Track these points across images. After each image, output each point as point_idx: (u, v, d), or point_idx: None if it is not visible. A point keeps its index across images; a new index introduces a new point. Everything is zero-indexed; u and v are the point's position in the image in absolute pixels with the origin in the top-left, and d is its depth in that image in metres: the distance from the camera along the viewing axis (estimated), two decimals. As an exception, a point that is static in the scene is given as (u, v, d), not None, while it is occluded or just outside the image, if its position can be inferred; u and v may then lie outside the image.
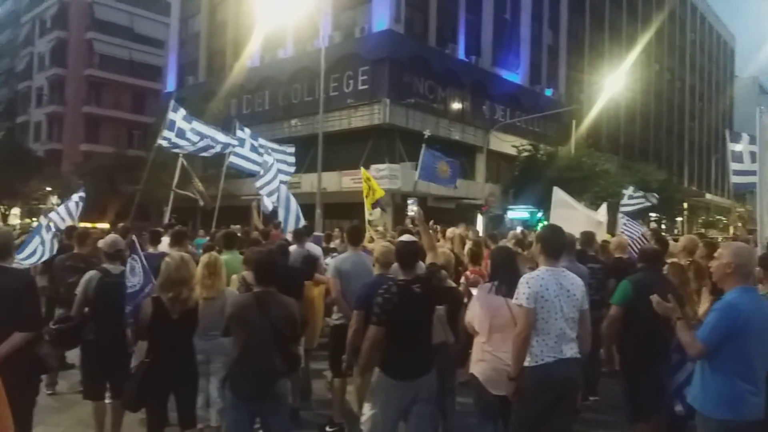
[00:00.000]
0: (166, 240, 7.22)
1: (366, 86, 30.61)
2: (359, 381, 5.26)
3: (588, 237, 7.86)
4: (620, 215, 12.00)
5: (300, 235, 7.40)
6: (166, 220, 12.29)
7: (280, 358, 3.94)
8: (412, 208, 8.18)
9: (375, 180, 13.01)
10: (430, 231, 7.67)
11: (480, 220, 30.56)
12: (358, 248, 5.85)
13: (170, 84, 44.05)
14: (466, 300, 5.48)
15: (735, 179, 9.56)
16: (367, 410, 4.00)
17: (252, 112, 36.31)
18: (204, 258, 4.91)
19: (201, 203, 12.50)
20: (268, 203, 11.99)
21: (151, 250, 6.78)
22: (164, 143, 11.21)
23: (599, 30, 48.37)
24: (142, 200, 14.74)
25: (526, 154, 33.47)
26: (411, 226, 8.91)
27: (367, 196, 12.05)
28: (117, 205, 29.02)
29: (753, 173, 8.16)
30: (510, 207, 31.88)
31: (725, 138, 9.93)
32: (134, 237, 5.24)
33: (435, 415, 4.29)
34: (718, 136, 69.93)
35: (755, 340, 3.20)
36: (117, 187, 31.68)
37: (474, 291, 4.97)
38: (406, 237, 4.45)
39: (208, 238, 9.54)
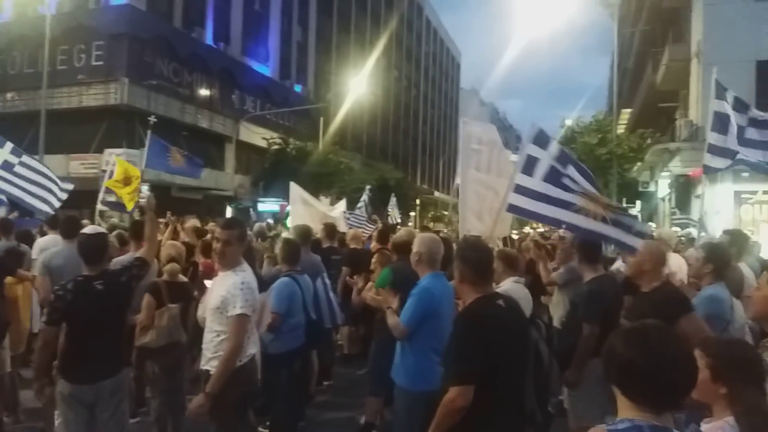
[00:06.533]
0: None
1: (101, 62, 27.81)
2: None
3: (329, 230, 8.28)
4: (345, 212, 12.73)
5: (6, 227, 6.38)
6: None
7: None
8: (144, 195, 7.64)
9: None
10: (167, 222, 7.30)
11: (229, 211, 30.00)
12: (74, 241, 5.22)
13: None
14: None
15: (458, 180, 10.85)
16: (57, 417, 3.69)
17: (-47, 81, 30.45)
18: None
19: None
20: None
21: None
22: None
23: (346, 33, 50.95)
24: None
25: (276, 147, 33.88)
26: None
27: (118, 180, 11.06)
28: None
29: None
30: (260, 199, 31.90)
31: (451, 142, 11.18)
32: None
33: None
34: (445, 140, 79.40)
35: (445, 320, 3.61)
36: None
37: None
38: (90, 229, 4.12)
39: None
